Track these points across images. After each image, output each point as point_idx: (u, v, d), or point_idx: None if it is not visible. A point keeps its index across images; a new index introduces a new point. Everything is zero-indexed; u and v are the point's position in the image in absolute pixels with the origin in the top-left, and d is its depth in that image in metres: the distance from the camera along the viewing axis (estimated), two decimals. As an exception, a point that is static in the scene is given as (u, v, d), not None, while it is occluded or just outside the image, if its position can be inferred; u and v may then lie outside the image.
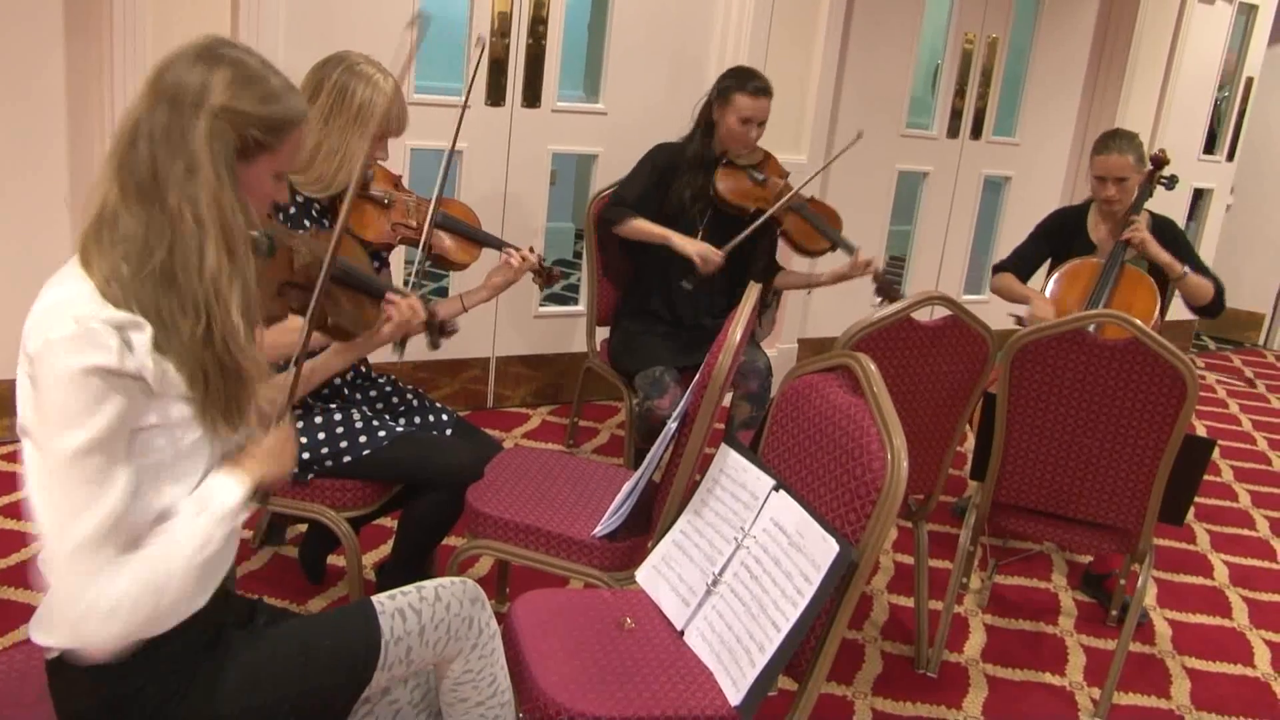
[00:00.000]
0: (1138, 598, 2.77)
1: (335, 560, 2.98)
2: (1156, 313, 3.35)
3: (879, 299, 3.46)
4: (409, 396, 2.67)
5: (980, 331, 2.66)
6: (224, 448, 1.51)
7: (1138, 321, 2.53)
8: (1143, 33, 5.58)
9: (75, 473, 1.31)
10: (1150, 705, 2.86)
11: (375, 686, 1.63)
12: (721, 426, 3.51)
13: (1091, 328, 2.62)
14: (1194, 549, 3.83)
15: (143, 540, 1.40)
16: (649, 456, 2.27)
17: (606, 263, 3.83)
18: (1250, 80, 6.30)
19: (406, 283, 2.57)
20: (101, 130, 3.20)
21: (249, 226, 1.45)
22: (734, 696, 1.81)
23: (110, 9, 3.14)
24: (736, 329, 2.19)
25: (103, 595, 1.33)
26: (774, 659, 1.78)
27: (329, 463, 2.41)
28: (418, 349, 2.58)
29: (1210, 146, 6.29)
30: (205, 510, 1.45)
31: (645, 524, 2.38)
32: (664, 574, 2.12)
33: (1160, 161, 3.58)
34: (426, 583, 1.71)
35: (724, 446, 2.17)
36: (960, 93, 5.28)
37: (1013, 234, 5.58)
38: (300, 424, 2.42)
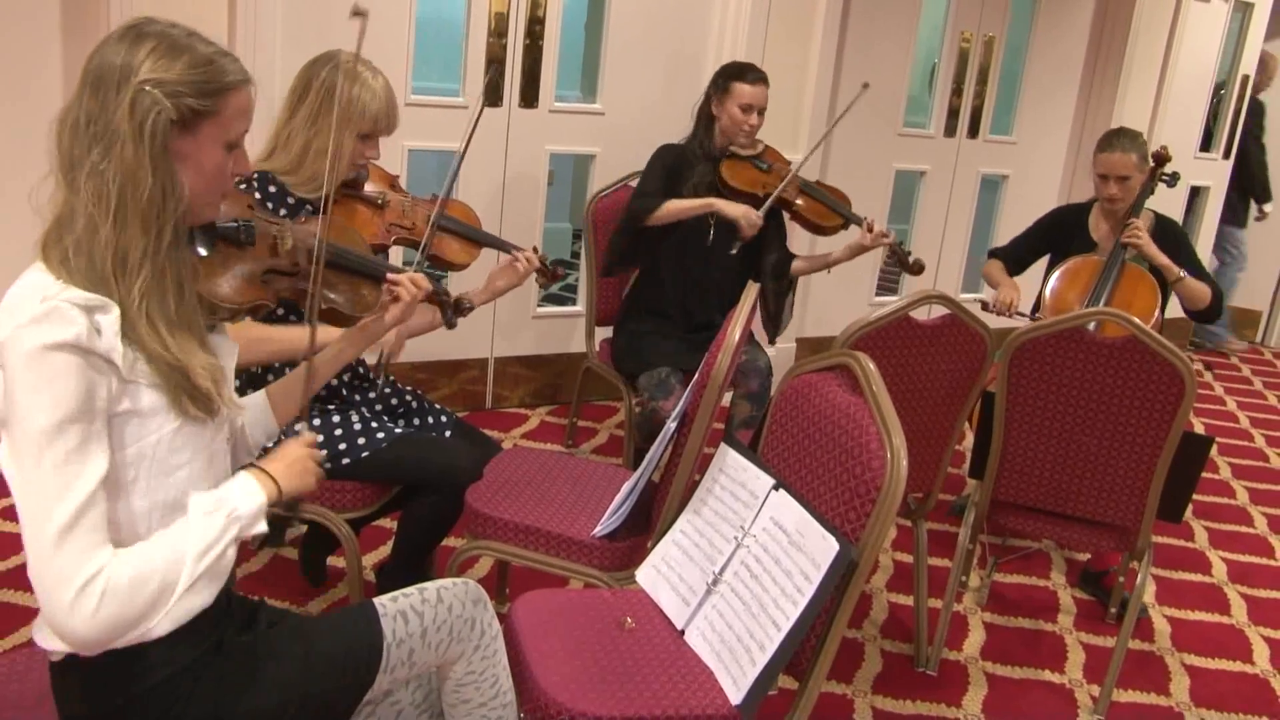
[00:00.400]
0: (1136, 595, 2.77)
1: (335, 561, 2.98)
2: (1157, 311, 3.35)
3: (895, 265, 3.51)
4: (408, 398, 2.67)
5: (978, 330, 2.66)
6: (208, 442, 1.49)
7: (1135, 319, 2.54)
8: (1139, 31, 5.58)
9: (51, 452, 1.29)
10: (1149, 702, 2.86)
11: (377, 689, 1.63)
12: (721, 426, 3.52)
13: (1092, 326, 2.62)
14: (1192, 546, 3.83)
15: (135, 536, 1.40)
16: (648, 456, 2.27)
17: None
18: (1246, 78, 6.30)
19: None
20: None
21: (177, 204, 1.42)
22: (735, 695, 1.81)
23: (107, 9, 3.14)
24: (735, 328, 2.20)
25: (95, 580, 1.31)
26: (774, 658, 1.78)
27: (328, 464, 2.39)
28: (415, 350, 2.58)
29: (1206, 144, 6.30)
30: (218, 511, 1.44)
31: (645, 524, 2.38)
32: (664, 573, 2.12)
33: (1162, 159, 3.59)
34: (428, 584, 1.71)
35: (723, 446, 2.17)
36: (957, 91, 5.29)
37: (1010, 232, 5.52)
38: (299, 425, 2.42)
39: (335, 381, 2.53)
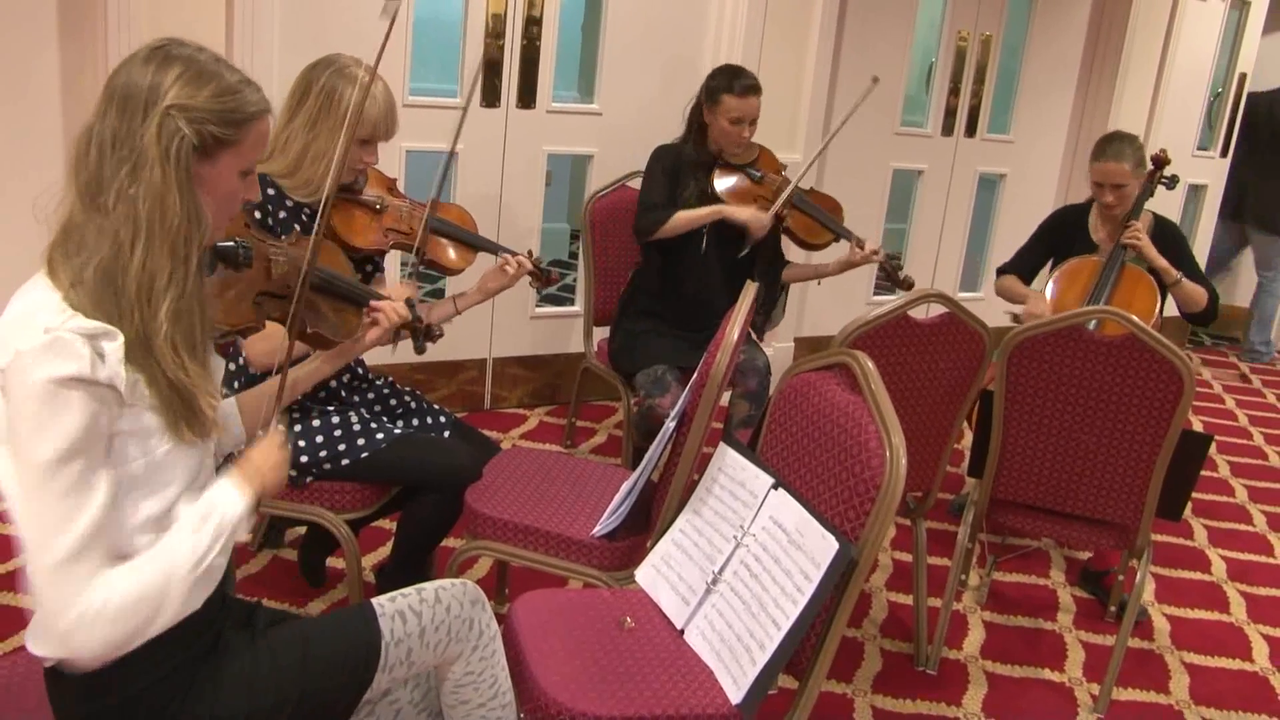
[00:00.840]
0: (1136, 593, 2.77)
1: (334, 562, 2.98)
2: (1157, 311, 3.36)
3: (886, 282, 3.48)
4: (406, 398, 2.67)
5: (977, 329, 2.66)
6: (198, 459, 1.50)
7: (1134, 317, 2.54)
8: (1136, 29, 5.58)
9: (54, 484, 1.30)
10: (1149, 700, 2.86)
11: (376, 689, 1.63)
12: (720, 425, 3.52)
13: (1091, 325, 2.62)
14: (1192, 544, 3.83)
15: (126, 551, 1.40)
16: (647, 456, 2.27)
17: (605, 265, 3.84)
18: (1244, 76, 6.31)
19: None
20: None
21: (201, 231, 1.43)
22: (735, 695, 1.81)
23: (104, 10, 3.14)
24: (734, 328, 2.19)
25: (92, 605, 1.32)
26: (774, 657, 1.78)
27: (327, 465, 2.41)
28: (409, 352, 2.58)
29: (1205, 143, 6.30)
30: (208, 523, 1.44)
31: (644, 523, 2.38)
32: (663, 573, 2.12)
33: (1161, 161, 3.59)
34: (427, 585, 1.71)
35: (722, 445, 2.17)
36: (954, 91, 5.29)
37: (1008, 231, 5.60)
38: (298, 427, 2.42)
39: (334, 383, 2.53)
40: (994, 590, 3.34)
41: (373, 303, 2.05)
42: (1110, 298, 3.36)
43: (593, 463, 2.74)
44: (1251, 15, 6.18)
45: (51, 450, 1.29)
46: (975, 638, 3.07)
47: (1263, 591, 3.53)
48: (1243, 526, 4.04)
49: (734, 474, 2.09)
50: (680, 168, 3.46)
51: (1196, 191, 6.36)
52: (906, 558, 3.45)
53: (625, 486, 2.31)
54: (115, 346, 1.34)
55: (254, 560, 3.03)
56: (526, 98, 4.09)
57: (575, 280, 4.87)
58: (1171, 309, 3.59)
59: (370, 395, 2.61)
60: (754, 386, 3.40)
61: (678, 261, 3.48)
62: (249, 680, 1.52)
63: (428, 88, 4.07)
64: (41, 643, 1.39)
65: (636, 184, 3.65)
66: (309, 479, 2.41)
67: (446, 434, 2.65)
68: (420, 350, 2.28)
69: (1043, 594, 3.36)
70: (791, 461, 2.07)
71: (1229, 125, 6.35)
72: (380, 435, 2.45)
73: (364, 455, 2.42)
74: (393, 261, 3.87)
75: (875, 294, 5.41)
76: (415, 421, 2.64)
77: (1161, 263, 3.42)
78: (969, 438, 3.19)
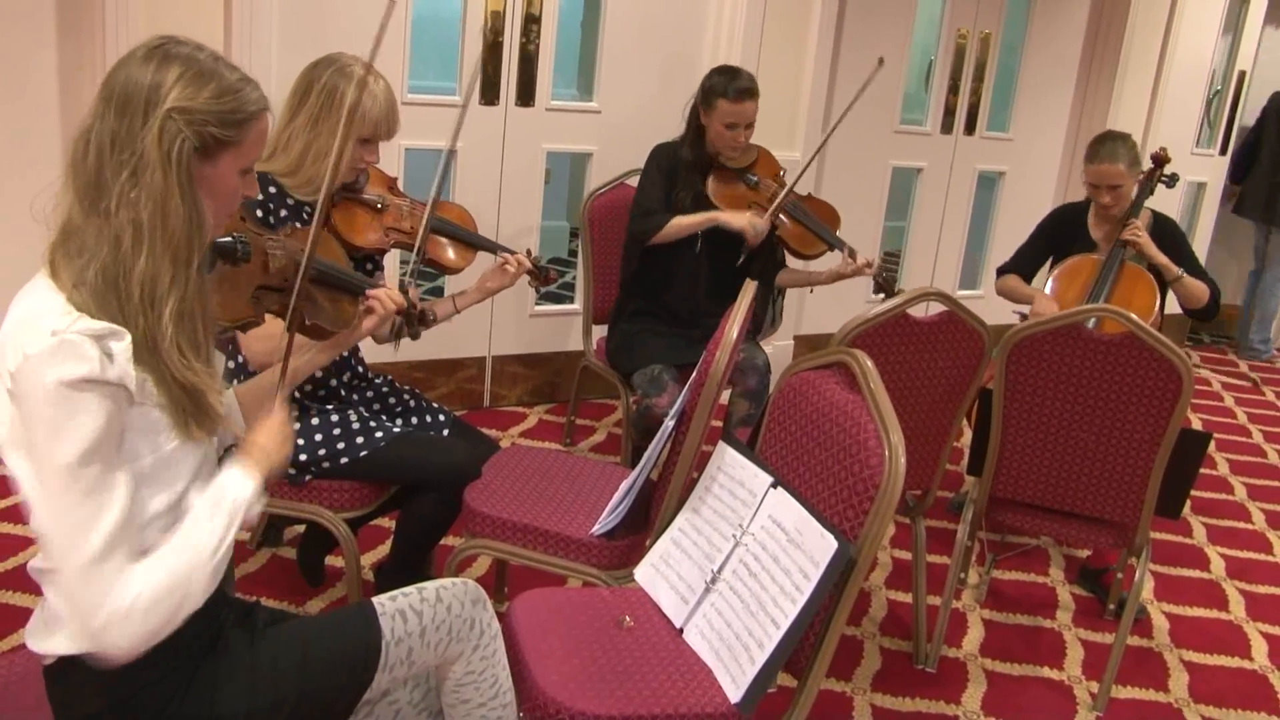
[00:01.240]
0: (1135, 591, 2.77)
1: (334, 561, 2.98)
2: (1156, 310, 3.35)
3: (879, 295, 3.44)
4: (405, 397, 2.67)
5: (976, 327, 2.66)
6: (203, 453, 1.50)
7: (1133, 316, 2.54)
8: (1135, 27, 5.58)
9: (75, 486, 1.30)
10: (1148, 699, 2.86)
11: (376, 688, 1.63)
12: (719, 424, 3.51)
13: (1090, 323, 2.62)
14: (1191, 542, 3.83)
15: (145, 545, 1.40)
16: (646, 454, 2.27)
17: (604, 263, 3.83)
18: (1243, 74, 6.30)
19: (402, 284, 2.56)
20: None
21: (202, 232, 1.43)
22: (734, 694, 1.81)
23: (102, 9, 3.13)
24: (733, 326, 2.19)
25: (123, 602, 1.33)
26: (773, 656, 1.78)
27: (326, 464, 2.40)
28: (410, 349, 2.58)
29: (1204, 140, 6.30)
30: (220, 509, 1.45)
31: (643, 522, 2.38)
32: (663, 572, 2.12)
33: (1160, 160, 3.58)
34: (427, 584, 1.71)
35: (721, 444, 2.17)
36: (953, 89, 5.29)
37: (1007, 229, 5.60)
38: (297, 425, 2.42)
39: (333, 381, 2.53)
40: (993, 588, 3.34)
41: (368, 291, 2.05)
42: (1109, 296, 3.36)
43: (592, 461, 2.74)
44: (1250, 12, 6.18)
45: (70, 453, 1.29)
46: (974, 636, 3.07)
47: (1262, 589, 3.53)
48: (1242, 524, 4.04)
49: (733, 473, 2.09)
50: (677, 168, 3.45)
51: (1196, 189, 6.36)
52: (906, 556, 3.45)
53: (624, 485, 2.31)
54: (123, 346, 1.34)
55: (253, 559, 3.03)
56: (525, 96, 4.09)
57: (574, 278, 4.87)
58: (1172, 306, 3.59)
59: (369, 394, 2.61)
60: (754, 385, 3.39)
61: (672, 263, 3.47)
62: (248, 680, 1.52)
63: (427, 85, 4.06)
64: (68, 640, 1.39)
65: (635, 182, 3.64)
66: (308, 477, 2.41)
67: (445, 432, 2.65)
68: (415, 336, 2.28)
69: (1042, 592, 3.36)
70: (790, 460, 2.07)
71: (1228, 123, 6.34)
72: (379, 434, 2.45)
73: (363, 454, 2.42)
74: (393, 260, 3.87)
75: (874, 293, 5.39)
76: (414, 420, 2.64)
77: (1162, 259, 3.42)
78: (968, 436, 3.19)
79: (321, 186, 2.36)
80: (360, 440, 2.43)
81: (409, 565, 2.57)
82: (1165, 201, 4.26)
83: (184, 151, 1.38)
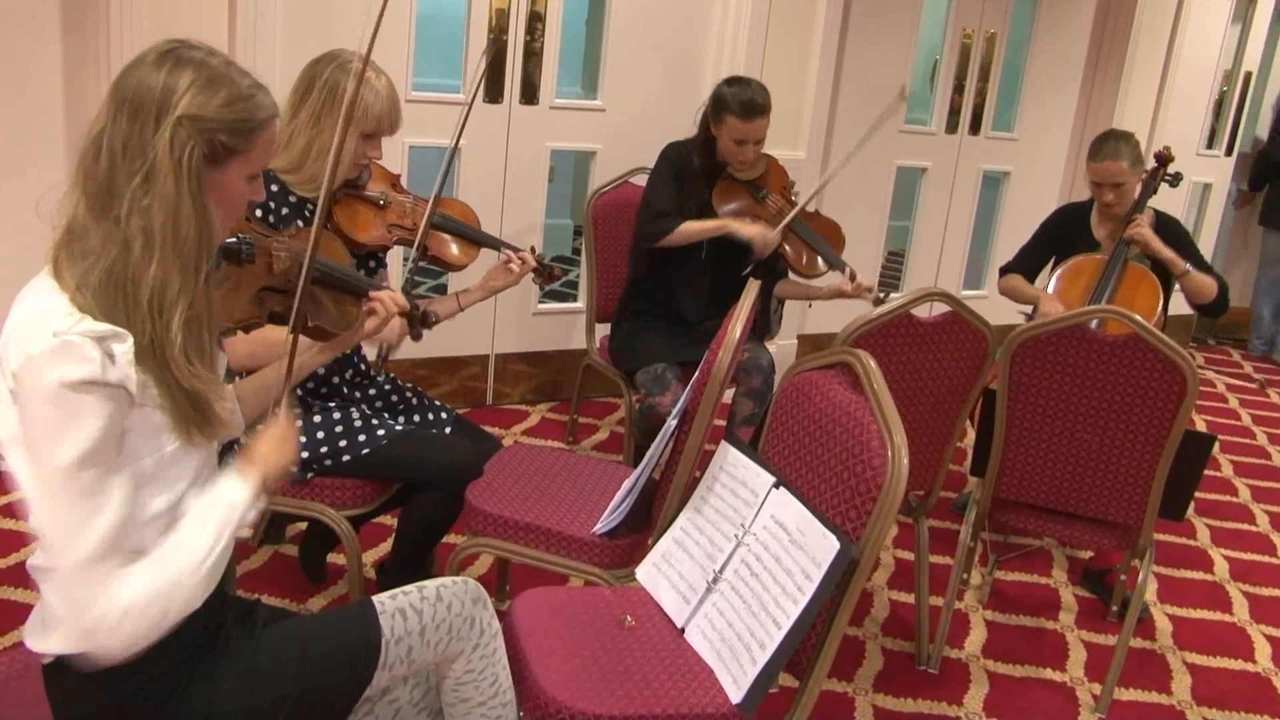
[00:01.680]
0: (1138, 593, 2.77)
1: (335, 559, 2.98)
2: (1159, 310, 3.35)
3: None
4: (408, 395, 2.67)
5: (979, 327, 2.66)
6: (203, 454, 1.50)
7: (1137, 316, 2.53)
8: (1141, 27, 5.57)
9: (73, 486, 1.30)
10: (1151, 701, 2.86)
11: (376, 686, 1.63)
12: (722, 423, 3.51)
13: (1094, 324, 2.62)
14: (1194, 544, 3.83)
15: (138, 546, 1.40)
16: (649, 454, 2.26)
17: (608, 261, 3.83)
18: (1249, 75, 6.29)
19: (404, 284, 2.56)
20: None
21: (211, 239, 1.43)
22: (735, 694, 1.81)
23: (107, 7, 3.13)
24: (736, 325, 2.19)
25: (115, 603, 1.34)
26: (775, 656, 1.78)
27: (328, 461, 2.40)
28: (412, 347, 2.58)
29: (1210, 141, 6.29)
30: (214, 515, 1.45)
31: (645, 521, 2.37)
32: (664, 571, 2.12)
33: (1164, 159, 3.57)
34: (428, 582, 1.71)
35: (724, 443, 2.16)
36: (959, 88, 5.28)
37: (1011, 229, 5.59)
38: (299, 423, 2.41)
39: (336, 379, 2.53)
40: (996, 589, 3.34)
41: (371, 293, 2.05)
42: (1113, 296, 3.35)
43: (594, 460, 2.74)
44: (1257, 13, 6.17)
45: (69, 454, 1.29)
46: (977, 637, 3.06)
47: (1265, 592, 3.52)
48: (1245, 526, 4.03)
49: (735, 472, 2.08)
50: (686, 170, 3.41)
51: (1201, 190, 6.35)
52: (908, 556, 3.44)
53: (626, 484, 2.31)
54: (125, 348, 1.34)
55: (255, 556, 3.03)
56: (529, 93, 4.09)
57: (578, 276, 4.86)
58: (1175, 308, 3.58)
59: (371, 391, 2.61)
60: (758, 385, 3.38)
61: (677, 267, 3.45)
62: (248, 677, 1.52)
63: (431, 83, 4.06)
64: (54, 638, 1.39)
65: (639, 180, 3.63)
66: (310, 475, 2.41)
67: (447, 430, 2.65)
68: (417, 337, 2.28)
69: (1044, 593, 3.36)
70: (793, 460, 2.06)
71: (1234, 124, 6.33)
72: (381, 432, 2.44)
73: (365, 451, 2.41)
74: (395, 257, 3.87)
75: (878, 292, 5.39)
76: (416, 418, 2.63)
77: (1167, 254, 3.40)
78: (971, 436, 3.18)
79: (333, 177, 2.37)
80: (362, 438, 2.42)
81: (410, 563, 2.57)
82: (1170, 202, 4.25)
83: (194, 159, 1.38)
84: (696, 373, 2.25)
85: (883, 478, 1.77)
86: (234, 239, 1.72)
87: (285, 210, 2.38)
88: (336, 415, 2.45)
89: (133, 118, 1.37)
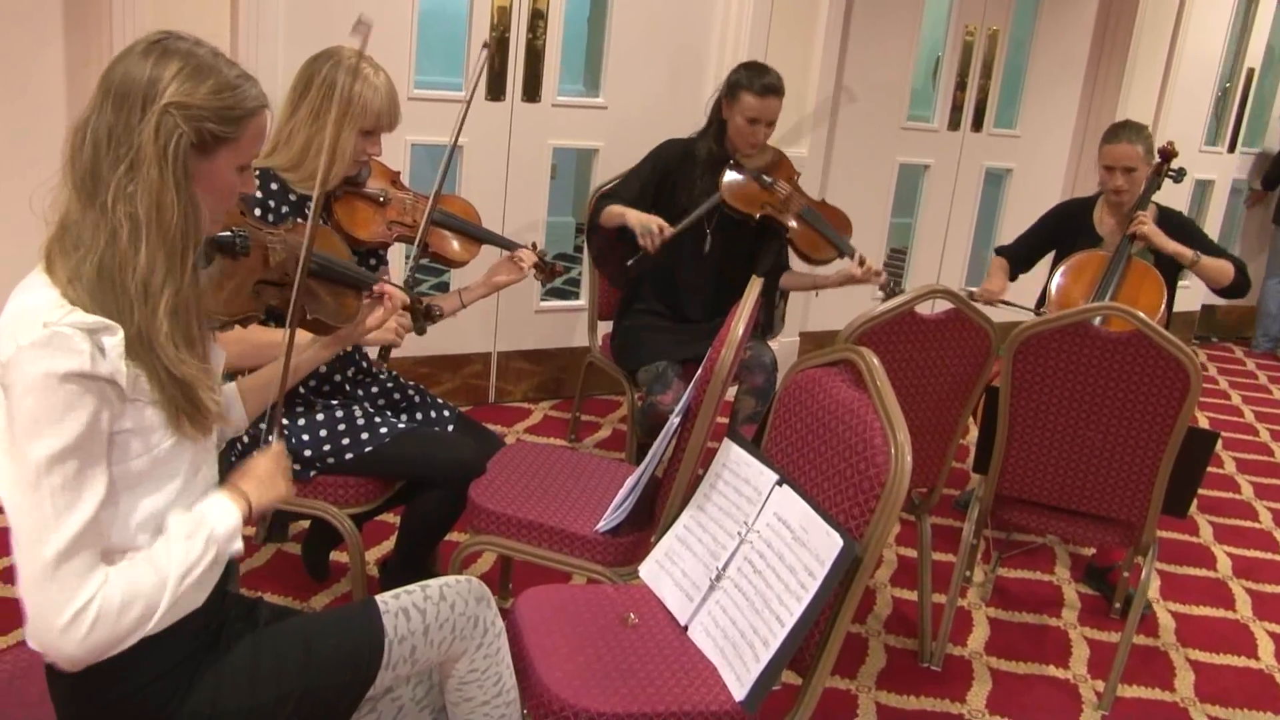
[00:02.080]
0: (1141, 590, 2.76)
1: (338, 557, 2.98)
2: (1163, 307, 3.34)
3: (881, 295, 3.42)
4: (410, 392, 2.67)
5: (982, 325, 2.66)
6: (198, 453, 1.50)
7: (1140, 314, 2.53)
8: (1144, 24, 5.56)
9: (49, 480, 1.29)
10: (1154, 698, 2.85)
11: (379, 685, 1.63)
12: (725, 421, 3.51)
13: (1097, 321, 2.61)
14: (1197, 541, 3.82)
15: (126, 549, 1.40)
16: (651, 451, 2.26)
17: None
18: (1252, 71, 6.28)
19: (406, 280, 2.56)
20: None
21: (198, 227, 1.43)
22: (738, 691, 1.81)
23: (109, 5, 3.13)
24: (739, 323, 2.19)
25: (79, 608, 1.32)
26: (778, 654, 1.77)
27: (331, 459, 2.40)
28: (415, 345, 2.57)
29: (1214, 138, 6.29)
30: (197, 534, 1.44)
31: (648, 519, 2.37)
32: (667, 569, 2.12)
33: (1168, 154, 3.57)
34: (431, 581, 1.71)
35: (727, 441, 2.16)
36: (961, 85, 5.27)
37: (1014, 226, 5.55)
38: (302, 421, 2.42)
39: (338, 376, 2.53)
40: (999, 586, 3.34)
41: (374, 287, 2.04)
42: (1116, 293, 3.34)
43: (597, 458, 2.74)
44: (1260, 10, 6.15)
45: (49, 446, 1.29)
46: (980, 634, 3.06)
47: (1268, 588, 3.52)
48: (1248, 523, 4.03)
49: (738, 470, 2.08)
50: (685, 164, 3.42)
51: (1203, 187, 6.34)
52: (911, 554, 3.44)
53: (629, 482, 2.31)
54: (115, 341, 1.34)
55: (258, 554, 3.03)
56: (531, 91, 4.08)
57: (580, 274, 4.86)
58: (1179, 305, 3.57)
59: (374, 389, 2.61)
60: (760, 382, 3.38)
61: (680, 263, 3.46)
62: (251, 676, 1.52)
63: (432, 80, 4.06)
64: (29, 638, 1.39)
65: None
66: (313, 473, 2.41)
67: (450, 428, 2.64)
68: (421, 331, 2.28)
69: (1047, 590, 3.35)
70: (796, 458, 2.06)
71: (1236, 120, 6.32)
72: (384, 429, 2.44)
73: (367, 450, 2.41)
74: (396, 254, 3.87)
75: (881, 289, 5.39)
76: (419, 416, 2.63)
77: (1174, 247, 3.39)
78: (974, 433, 3.18)
79: (323, 180, 2.37)
80: (365, 436, 2.42)
81: (413, 561, 2.57)
82: (1172, 198, 4.24)
83: (181, 147, 1.38)
84: (699, 370, 2.25)
85: (886, 475, 1.77)
86: (228, 232, 1.71)
87: (285, 209, 2.38)
88: (339, 413, 2.45)
89: (118, 106, 1.37)
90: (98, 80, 1.41)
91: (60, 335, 1.29)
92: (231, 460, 2.34)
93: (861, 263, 3.35)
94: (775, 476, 1.98)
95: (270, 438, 1.66)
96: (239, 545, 1.50)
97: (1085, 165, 5.70)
